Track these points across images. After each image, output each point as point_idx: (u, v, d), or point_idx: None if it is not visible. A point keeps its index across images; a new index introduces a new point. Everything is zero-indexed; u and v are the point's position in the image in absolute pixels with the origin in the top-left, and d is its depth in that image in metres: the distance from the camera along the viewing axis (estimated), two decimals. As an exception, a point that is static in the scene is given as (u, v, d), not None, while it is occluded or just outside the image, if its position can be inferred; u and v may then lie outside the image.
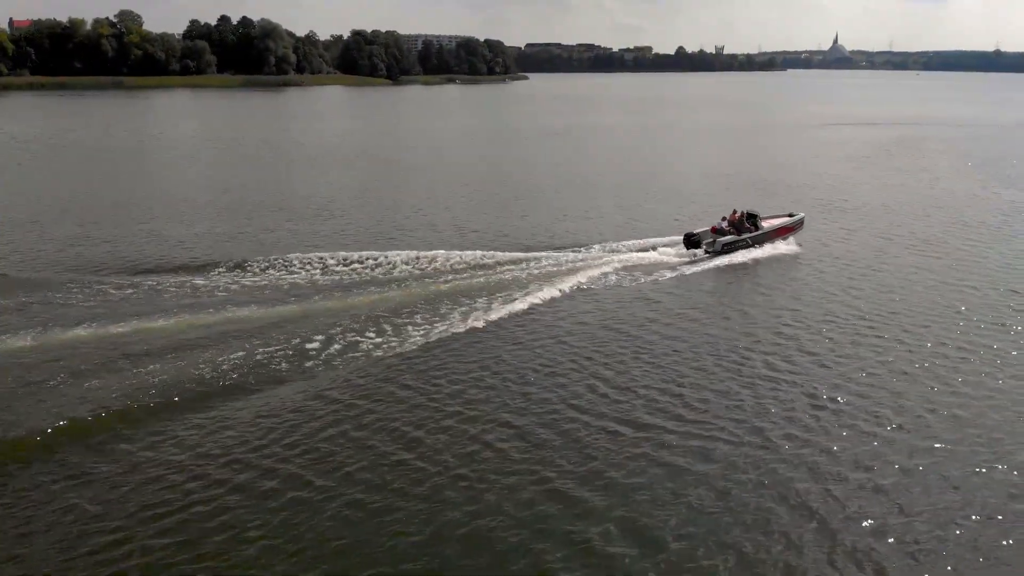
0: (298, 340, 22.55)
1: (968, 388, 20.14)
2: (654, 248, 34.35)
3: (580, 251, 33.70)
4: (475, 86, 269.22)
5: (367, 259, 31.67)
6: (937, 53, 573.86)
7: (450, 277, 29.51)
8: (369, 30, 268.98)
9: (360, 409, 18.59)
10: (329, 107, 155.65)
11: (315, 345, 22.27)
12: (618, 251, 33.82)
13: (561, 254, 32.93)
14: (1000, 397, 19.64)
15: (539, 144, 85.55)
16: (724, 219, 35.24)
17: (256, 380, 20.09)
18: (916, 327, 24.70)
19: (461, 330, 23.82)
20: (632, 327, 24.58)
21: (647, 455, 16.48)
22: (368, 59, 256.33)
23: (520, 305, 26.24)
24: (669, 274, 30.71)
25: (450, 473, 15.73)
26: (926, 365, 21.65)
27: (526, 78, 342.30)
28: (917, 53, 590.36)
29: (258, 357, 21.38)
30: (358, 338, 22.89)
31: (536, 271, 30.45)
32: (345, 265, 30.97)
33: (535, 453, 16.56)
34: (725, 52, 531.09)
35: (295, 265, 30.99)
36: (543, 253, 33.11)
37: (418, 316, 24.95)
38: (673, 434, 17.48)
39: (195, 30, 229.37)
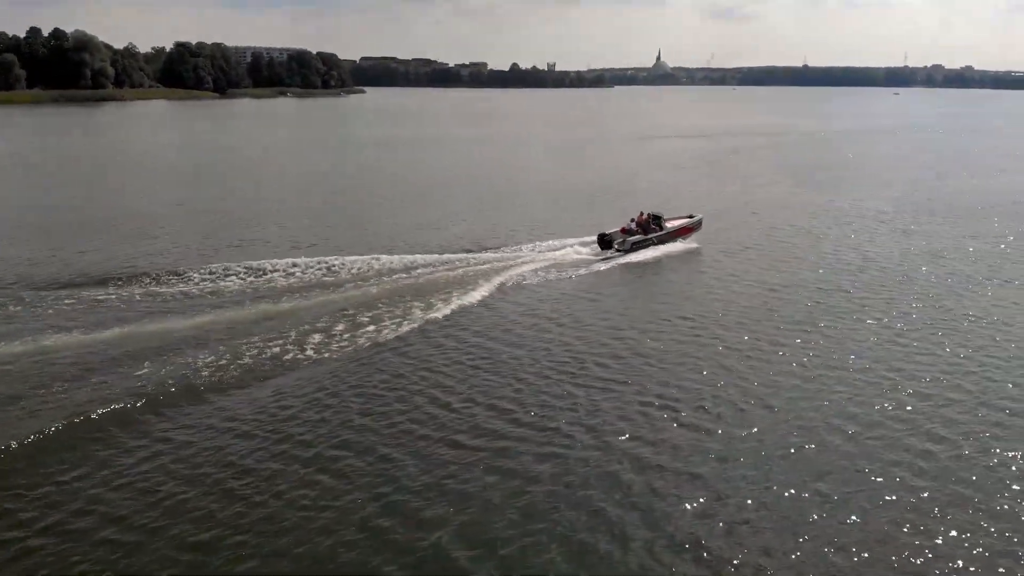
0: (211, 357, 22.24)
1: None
2: (572, 247, 37.35)
3: (501, 251, 36.22)
4: (309, 99, 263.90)
5: (272, 268, 32.12)
6: (751, 69, 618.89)
7: (362, 284, 30.14)
8: (194, 42, 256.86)
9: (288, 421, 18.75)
10: (153, 121, 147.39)
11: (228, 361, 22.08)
12: (539, 251, 36.64)
13: (487, 254, 35.39)
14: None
15: (416, 152, 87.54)
16: (632, 220, 38.54)
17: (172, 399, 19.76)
18: (783, 320, 26.81)
19: (390, 336, 24.45)
20: (555, 323, 26.37)
21: (553, 453, 17.10)
22: (193, 72, 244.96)
23: (464, 302, 27.95)
24: (584, 270, 33.72)
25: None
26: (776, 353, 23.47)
27: (363, 91, 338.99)
28: (733, 69, 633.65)
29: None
30: (275, 350, 22.91)
31: (462, 272, 32.06)
32: (250, 276, 31.14)
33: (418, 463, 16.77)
34: (557, 69, 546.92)
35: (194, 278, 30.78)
36: (465, 255, 35.04)
37: (339, 325, 25.25)
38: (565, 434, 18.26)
39: (2, 42, 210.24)
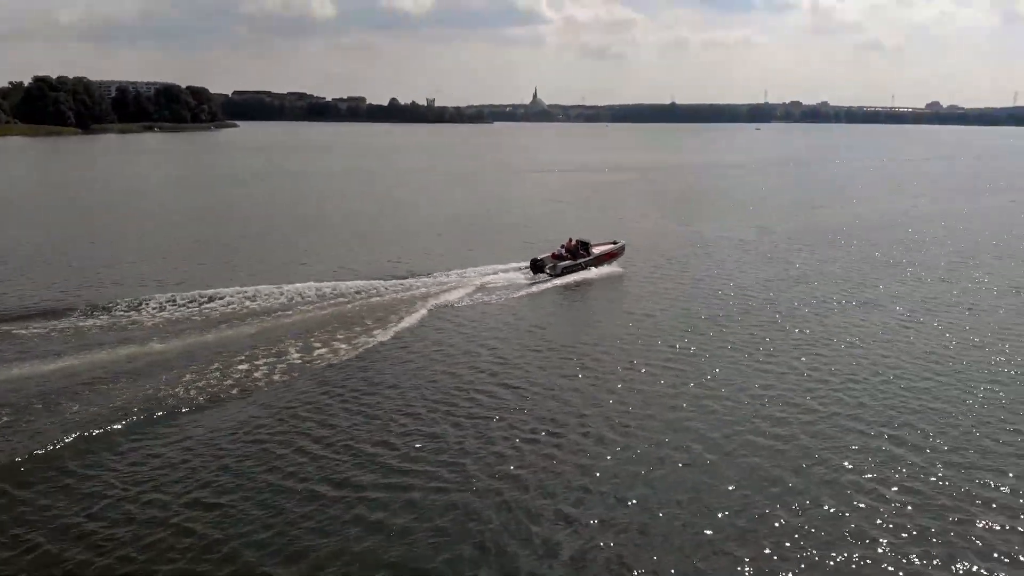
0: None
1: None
2: (507, 272, 40.67)
3: (434, 276, 39.44)
4: (178, 134, 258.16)
5: (215, 297, 34.14)
6: (623, 106, 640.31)
7: (304, 310, 32.65)
8: (55, 76, 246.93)
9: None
10: (9, 158, 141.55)
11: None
12: (475, 276, 39.61)
13: (425, 279, 38.70)
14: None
15: (330, 183, 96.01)
16: (562, 246, 42.38)
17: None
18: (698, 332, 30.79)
19: (336, 361, 26.73)
20: (492, 342, 29.51)
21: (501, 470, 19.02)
22: (54, 106, 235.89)
23: (408, 323, 30.92)
24: (520, 293, 37.21)
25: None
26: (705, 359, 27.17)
27: (235, 126, 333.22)
28: (606, 106, 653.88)
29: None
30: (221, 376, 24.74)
31: (405, 295, 35.42)
32: (186, 306, 33.09)
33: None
34: (437, 104, 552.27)
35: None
36: (404, 280, 38.23)
37: (276, 349, 27.42)
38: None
39: None
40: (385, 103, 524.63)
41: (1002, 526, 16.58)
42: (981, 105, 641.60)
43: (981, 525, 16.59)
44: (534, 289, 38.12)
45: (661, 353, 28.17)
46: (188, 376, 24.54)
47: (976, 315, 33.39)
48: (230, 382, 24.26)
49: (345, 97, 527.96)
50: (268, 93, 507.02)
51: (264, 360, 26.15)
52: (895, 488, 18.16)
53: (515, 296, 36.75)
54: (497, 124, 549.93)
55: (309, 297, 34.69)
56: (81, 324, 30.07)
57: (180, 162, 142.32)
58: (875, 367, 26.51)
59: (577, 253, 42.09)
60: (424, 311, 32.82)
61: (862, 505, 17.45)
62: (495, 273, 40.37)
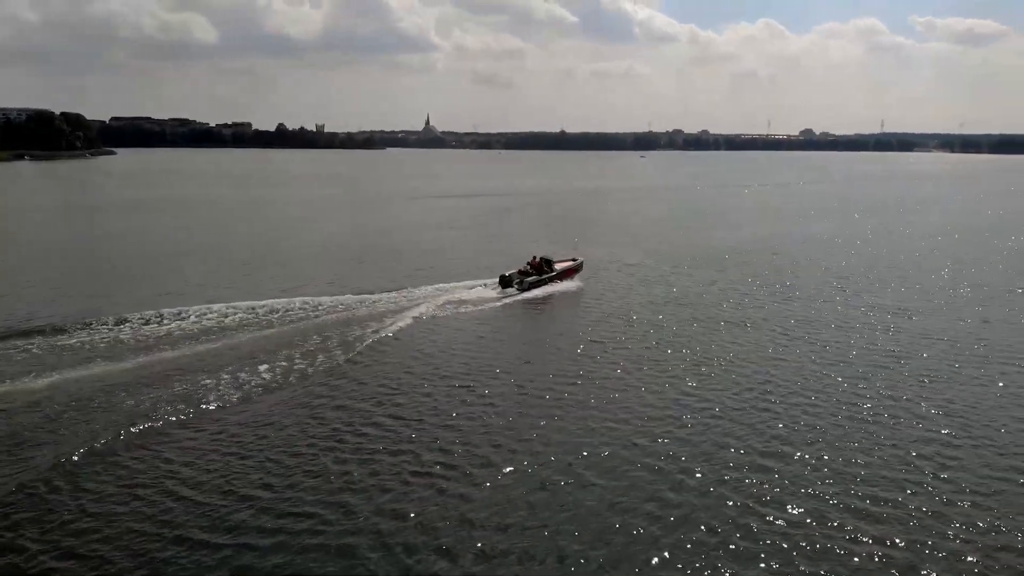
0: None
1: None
2: (480, 286, 44.05)
3: (410, 290, 42.76)
4: (51, 163, 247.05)
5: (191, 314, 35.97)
6: (515, 133, 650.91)
7: (292, 322, 35.03)
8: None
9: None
10: None
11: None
12: (449, 290, 43.10)
13: (395, 294, 41.80)
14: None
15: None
16: (528, 263, 45.85)
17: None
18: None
19: (338, 363, 29.30)
20: (467, 350, 31.94)
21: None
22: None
23: (384, 334, 33.36)
24: (490, 306, 40.47)
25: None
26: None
27: (113, 153, 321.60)
28: (498, 134, 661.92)
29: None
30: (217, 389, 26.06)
31: (377, 309, 37.99)
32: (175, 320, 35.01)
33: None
34: (327, 130, 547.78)
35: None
36: (376, 295, 41.08)
37: (250, 365, 28.64)
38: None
39: None
40: (272, 128, 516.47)
41: (865, 536, 17.44)
42: (851, 132, 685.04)
43: (846, 536, 17.46)
44: (505, 302, 41.43)
45: (607, 362, 30.62)
46: (150, 399, 25.06)
47: (847, 332, 35.35)
48: (180, 406, 24.48)
49: (230, 123, 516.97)
50: (148, 119, 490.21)
51: (244, 375, 27.44)
52: (775, 499, 19.09)
53: (488, 308, 39.99)
54: (390, 150, 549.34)
55: (278, 314, 36.34)
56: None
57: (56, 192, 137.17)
58: (751, 384, 27.83)
59: (542, 269, 45.60)
60: (401, 324, 35.37)
61: (750, 516, 18.26)
62: (475, 287, 43.90)
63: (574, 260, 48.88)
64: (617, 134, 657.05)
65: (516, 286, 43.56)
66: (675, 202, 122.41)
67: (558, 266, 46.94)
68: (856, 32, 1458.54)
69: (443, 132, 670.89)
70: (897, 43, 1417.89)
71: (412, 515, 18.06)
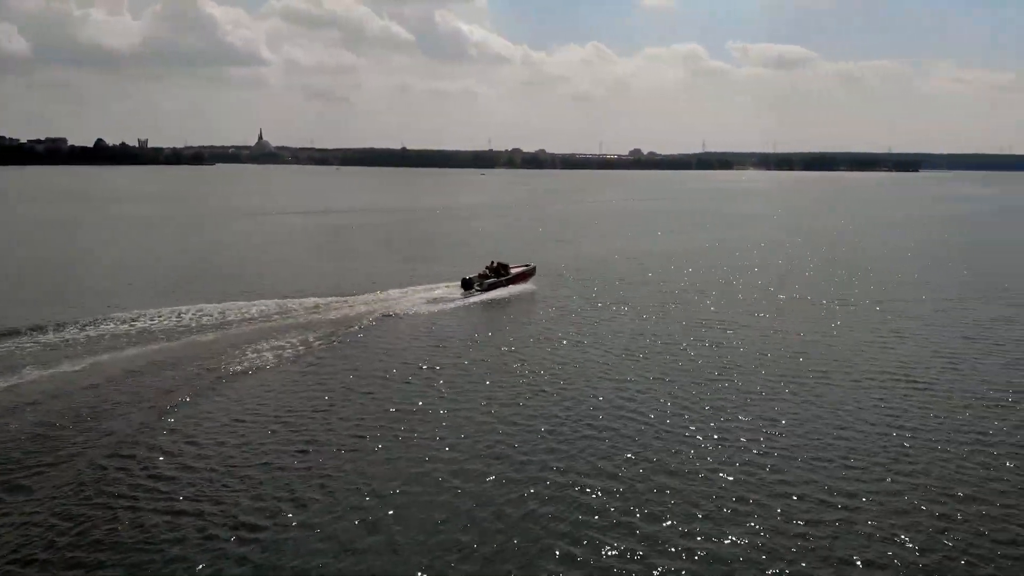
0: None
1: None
2: (443, 287, 49.64)
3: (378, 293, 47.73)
4: None
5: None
6: (354, 149, 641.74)
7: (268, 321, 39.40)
8: None
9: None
10: None
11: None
12: (415, 292, 48.42)
13: (367, 296, 46.71)
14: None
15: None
16: (487, 267, 51.51)
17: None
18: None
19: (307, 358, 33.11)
20: (435, 343, 36.86)
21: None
22: None
23: (361, 326, 38.98)
24: (452, 305, 45.83)
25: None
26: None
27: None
28: (336, 149, 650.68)
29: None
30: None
31: (348, 311, 42.41)
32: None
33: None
34: (150, 145, 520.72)
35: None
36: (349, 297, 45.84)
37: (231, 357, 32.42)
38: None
39: None
40: (90, 144, 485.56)
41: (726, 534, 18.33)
42: (675, 152, 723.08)
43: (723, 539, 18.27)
44: (468, 302, 46.89)
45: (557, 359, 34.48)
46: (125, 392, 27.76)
47: (668, 348, 37.08)
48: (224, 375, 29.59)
49: (43, 138, 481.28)
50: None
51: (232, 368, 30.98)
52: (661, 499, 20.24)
53: (452, 307, 45.54)
54: (219, 166, 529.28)
55: (249, 315, 40.34)
56: None
57: None
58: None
59: (499, 273, 51.19)
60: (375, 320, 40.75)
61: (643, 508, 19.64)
62: (440, 288, 49.46)
63: (527, 265, 55.11)
64: (458, 152, 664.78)
65: (477, 287, 48.95)
66: (522, 218, 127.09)
67: (514, 270, 52.72)
68: (679, 57, 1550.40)
69: (278, 147, 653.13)
70: (716, 67, 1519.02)
71: (372, 518, 19.07)
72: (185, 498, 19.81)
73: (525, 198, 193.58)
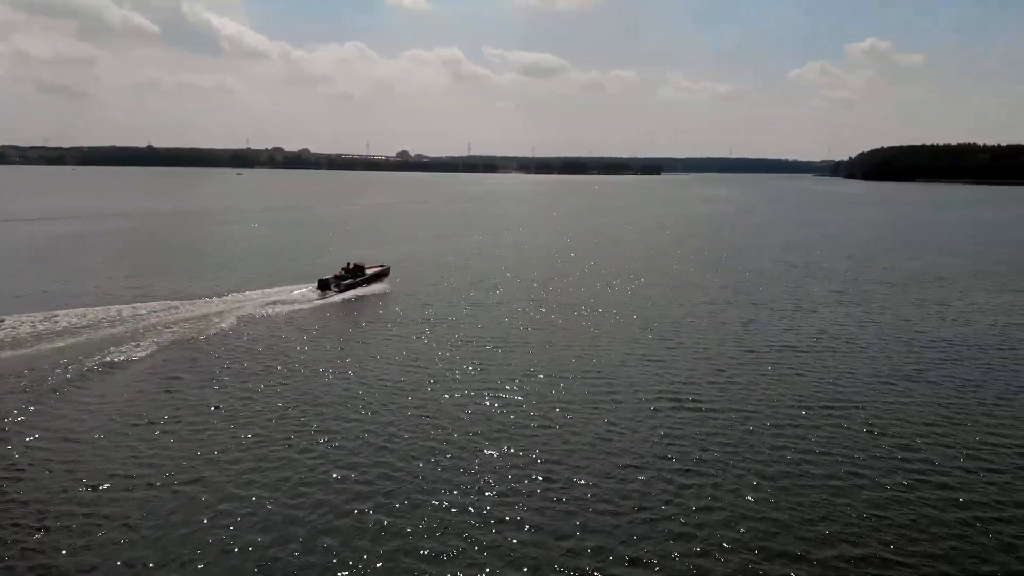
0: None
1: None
2: (299, 289, 50.08)
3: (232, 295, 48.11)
4: None
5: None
6: (92, 148, 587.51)
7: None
8: None
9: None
10: None
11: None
12: (280, 292, 49.02)
13: (222, 298, 46.96)
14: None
15: None
16: (343, 268, 52.27)
17: None
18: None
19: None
20: (286, 345, 36.72)
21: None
22: None
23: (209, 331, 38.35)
24: (308, 306, 46.13)
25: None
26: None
27: None
28: (73, 148, 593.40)
29: None
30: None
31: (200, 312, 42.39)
32: None
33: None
34: None
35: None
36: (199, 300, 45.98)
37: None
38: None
39: None
40: None
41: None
42: (443, 154, 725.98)
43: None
44: (324, 302, 47.37)
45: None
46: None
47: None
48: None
49: None
50: None
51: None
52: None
53: (308, 307, 46.02)
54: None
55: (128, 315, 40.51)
56: None
57: None
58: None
59: (355, 273, 51.68)
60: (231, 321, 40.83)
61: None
62: (294, 290, 49.85)
63: (382, 266, 56.29)
64: (213, 150, 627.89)
65: (334, 288, 49.45)
66: (282, 224, 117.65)
67: (369, 271, 53.49)
68: (440, 61, 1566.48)
69: (4, 146, 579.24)
70: (477, 73, 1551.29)
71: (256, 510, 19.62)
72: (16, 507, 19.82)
73: (285, 201, 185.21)
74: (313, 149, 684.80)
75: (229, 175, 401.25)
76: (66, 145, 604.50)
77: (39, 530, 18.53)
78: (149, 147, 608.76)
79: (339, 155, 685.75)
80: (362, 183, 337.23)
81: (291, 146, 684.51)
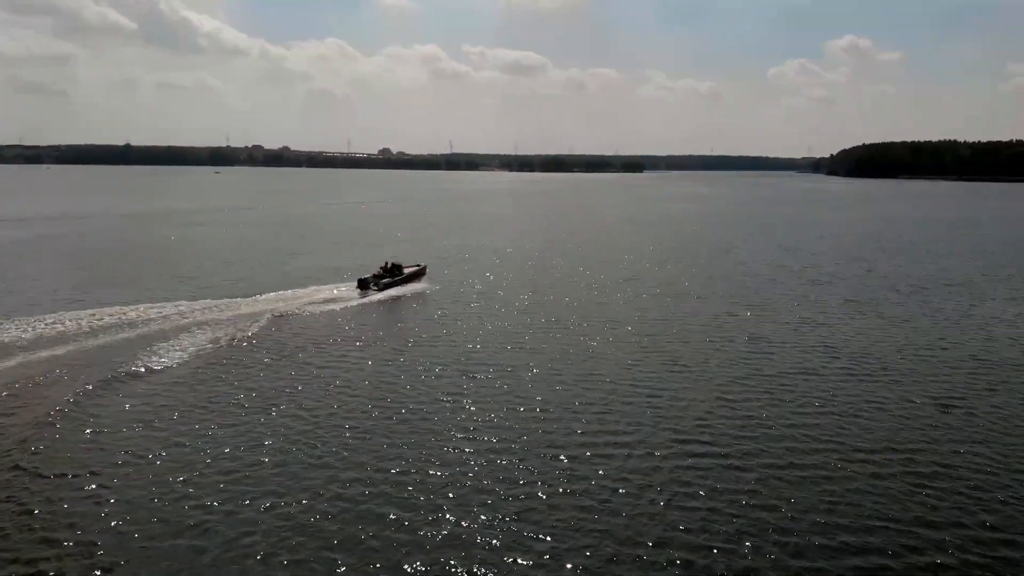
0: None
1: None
2: (344, 287, 51.06)
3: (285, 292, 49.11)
4: None
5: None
6: (69, 147, 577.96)
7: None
8: None
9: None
10: None
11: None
12: (319, 291, 49.71)
13: (273, 294, 48.14)
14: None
15: None
16: (381, 268, 53.16)
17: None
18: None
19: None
20: (335, 341, 37.11)
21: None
22: None
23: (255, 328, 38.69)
24: (353, 303, 46.98)
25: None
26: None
27: None
28: (50, 147, 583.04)
29: None
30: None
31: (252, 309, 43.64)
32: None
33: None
34: None
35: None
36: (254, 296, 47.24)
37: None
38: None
39: None
40: None
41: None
42: (424, 152, 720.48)
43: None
44: (365, 300, 47.76)
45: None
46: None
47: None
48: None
49: None
50: None
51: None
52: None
53: (352, 304, 46.41)
54: None
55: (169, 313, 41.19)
56: None
57: None
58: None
59: (394, 273, 52.65)
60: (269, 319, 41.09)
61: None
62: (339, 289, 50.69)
63: (418, 265, 57.61)
64: (192, 148, 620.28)
65: (373, 287, 50.07)
66: (265, 224, 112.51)
67: (407, 270, 54.48)
68: (420, 58, 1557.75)
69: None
70: (457, 70, 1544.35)
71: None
72: (86, 497, 19.75)
73: (261, 200, 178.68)
74: (293, 147, 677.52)
75: (206, 173, 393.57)
76: (43, 144, 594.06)
77: (73, 532, 18.05)
78: (127, 145, 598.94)
79: (320, 153, 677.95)
80: (343, 181, 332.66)
81: (271, 144, 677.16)
